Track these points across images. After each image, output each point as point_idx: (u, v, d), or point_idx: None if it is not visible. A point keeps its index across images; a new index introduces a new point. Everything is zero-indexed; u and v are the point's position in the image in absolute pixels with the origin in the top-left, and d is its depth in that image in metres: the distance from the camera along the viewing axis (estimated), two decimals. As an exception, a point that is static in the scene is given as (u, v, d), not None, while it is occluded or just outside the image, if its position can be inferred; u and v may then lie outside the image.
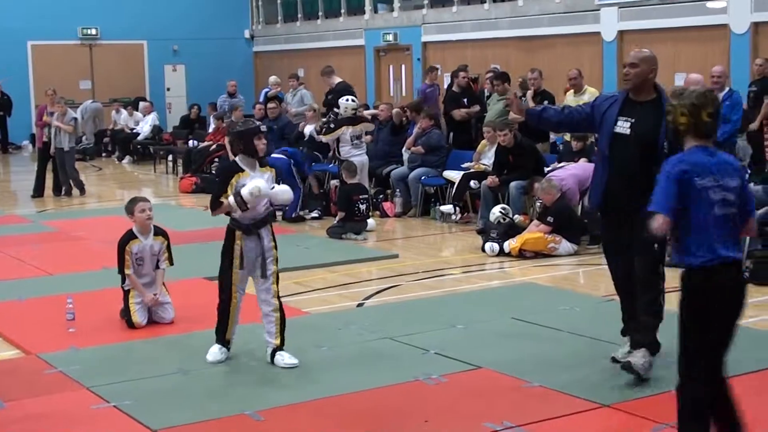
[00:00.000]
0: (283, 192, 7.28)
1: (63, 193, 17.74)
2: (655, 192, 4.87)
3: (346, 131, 13.87)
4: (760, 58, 14.24)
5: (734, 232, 4.93)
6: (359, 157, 13.82)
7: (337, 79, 14.63)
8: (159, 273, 8.41)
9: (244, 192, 6.88)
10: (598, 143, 7.09)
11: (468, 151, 14.52)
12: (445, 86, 19.05)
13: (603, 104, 7.04)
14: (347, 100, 14.21)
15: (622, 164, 6.76)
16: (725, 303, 4.88)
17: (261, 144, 7.03)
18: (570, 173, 11.93)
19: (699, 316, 4.90)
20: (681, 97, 4.97)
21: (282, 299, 9.26)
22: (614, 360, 6.94)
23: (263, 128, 7.14)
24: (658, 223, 4.78)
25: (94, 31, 28.35)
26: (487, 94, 15.79)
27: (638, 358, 6.62)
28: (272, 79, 20.04)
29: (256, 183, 6.90)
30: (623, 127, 6.80)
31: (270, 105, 17.12)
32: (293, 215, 14.06)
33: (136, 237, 8.29)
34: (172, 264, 8.49)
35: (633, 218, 6.52)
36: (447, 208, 13.73)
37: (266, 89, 20.08)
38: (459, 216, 13.66)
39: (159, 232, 8.44)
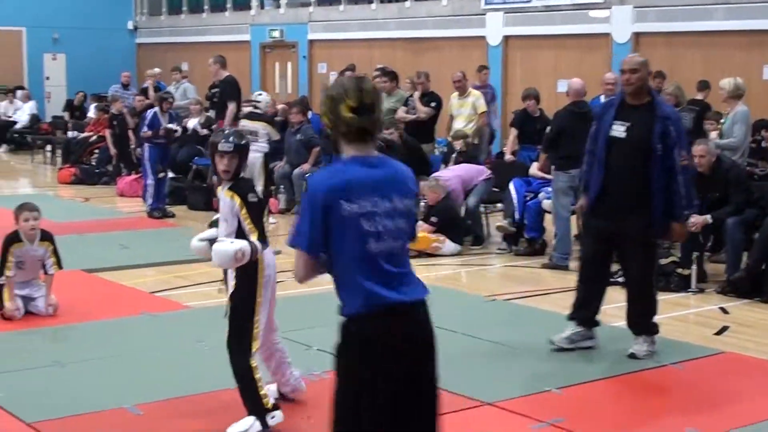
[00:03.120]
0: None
1: None
2: (296, 223, 3.73)
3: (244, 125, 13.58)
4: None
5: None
6: (251, 154, 13.45)
7: (226, 73, 14.40)
8: (48, 279, 8.17)
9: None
10: (594, 146, 7.29)
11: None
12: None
13: (601, 110, 7.48)
14: (261, 94, 14.07)
15: (618, 167, 7.06)
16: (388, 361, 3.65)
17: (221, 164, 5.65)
18: (454, 174, 12.02)
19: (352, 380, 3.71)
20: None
21: (163, 293, 9.20)
22: (552, 343, 7.33)
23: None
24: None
25: (-29, 16, 27.53)
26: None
27: (639, 345, 7.16)
28: (150, 71, 19.69)
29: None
30: (619, 130, 7.08)
31: (138, 98, 17.07)
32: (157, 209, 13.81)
33: (20, 240, 8.01)
34: (60, 268, 8.22)
35: (626, 218, 7.00)
36: None
37: (147, 82, 19.74)
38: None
39: (45, 236, 8.14)
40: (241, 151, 5.64)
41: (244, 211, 5.51)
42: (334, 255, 3.64)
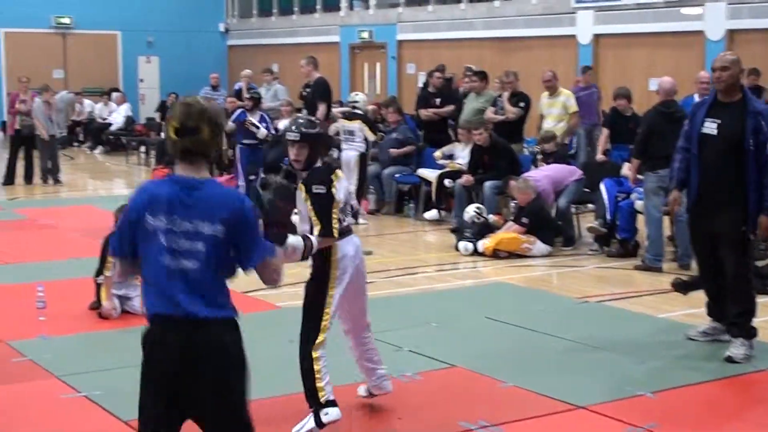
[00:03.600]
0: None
1: (50, 181, 17.84)
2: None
3: (342, 125, 13.74)
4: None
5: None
6: (345, 152, 13.57)
7: (318, 74, 14.49)
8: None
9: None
10: (688, 144, 7.34)
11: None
12: (420, 85, 19.02)
13: (693, 109, 7.47)
14: (358, 94, 14.30)
15: (710, 163, 7.12)
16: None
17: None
18: (544, 174, 11.94)
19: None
20: None
21: (254, 293, 9.27)
22: (689, 338, 7.55)
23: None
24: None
25: (67, 20, 28.15)
26: (463, 92, 15.75)
27: (737, 348, 7.07)
28: (244, 72, 19.89)
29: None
30: (710, 128, 7.13)
31: (229, 99, 17.29)
32: None
33: None
34: None
35: (720, 214, 7.07)
36: (431, 215, 13.62)
37: (239, 83, 19.95)
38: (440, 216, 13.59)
39: None
40: (309, 140, 5.57)
41: (309, 202, 5.47)
42: (142, 261, 3.94)
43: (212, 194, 3.88)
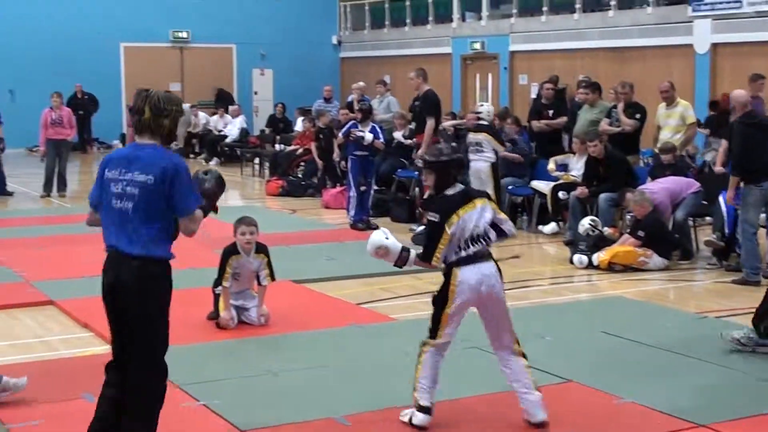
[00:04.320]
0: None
1: None
2: None
3: (470, 137, 13.77)
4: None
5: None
6: (475, 163, 13.50)
7: (427, 87, 14.48)
8: (261, 290, 8.39)
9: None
10: None
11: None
12: (533, 96, 18.92)
13: None
14: (482, 105, 14.34)
15: None
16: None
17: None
18: (662, 186, 11.75)
19: None
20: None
21: (368, 304, 9.33)
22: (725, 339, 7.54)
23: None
24: None
25: (185, 34, 28.78)
26: (577, 103, 15.61)
27: None
28: (357, 84, 20.02)
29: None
30: None
31: (342, 111, 17.40)
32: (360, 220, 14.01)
33: (238, 252, 8.26)
34: (273, 280, 8.41)
35: None
36: (550, 228, 13.51)
37: (351, 95, 20.09)
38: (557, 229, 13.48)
39: (260, 249, 8.34)
40: (434, 168, 5.91)
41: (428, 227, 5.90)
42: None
43: (144, 154, 4.99)
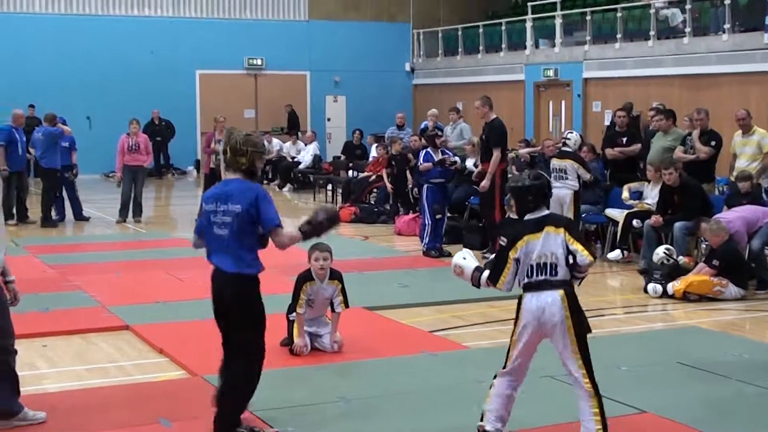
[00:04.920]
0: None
1: None
2: None
3: (554, 163, 13.80)
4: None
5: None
6: (558, 190, 13.40)
7: (493, 115, 14.40)
8: (335, 317, 8.43)
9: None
10: None
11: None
12: (606, 123, 18.80)
13: None
14: (571, 132, 14.40)
15: None
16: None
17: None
18: (738, 215, 11.61)
19: None
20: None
21: (440, 332, 9.32)
22: None
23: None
24: None
25: (259, 62, 29.12)
26: (651, 131, 15.49)
27: None
28: (431, 111, 20.05)
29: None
30: None
31: (412, 138, 17.47)
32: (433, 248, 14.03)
33: (312, 279, 8.31)
34: (347, 307, 8.45)
35: None
36: (614, 255, 13.40)
37: (425, 122, 20.14)
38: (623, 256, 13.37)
39: (334, 275, 8.38)
40: (514, 193, 6.00)
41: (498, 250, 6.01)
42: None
43: (234, 188, 6.07)
